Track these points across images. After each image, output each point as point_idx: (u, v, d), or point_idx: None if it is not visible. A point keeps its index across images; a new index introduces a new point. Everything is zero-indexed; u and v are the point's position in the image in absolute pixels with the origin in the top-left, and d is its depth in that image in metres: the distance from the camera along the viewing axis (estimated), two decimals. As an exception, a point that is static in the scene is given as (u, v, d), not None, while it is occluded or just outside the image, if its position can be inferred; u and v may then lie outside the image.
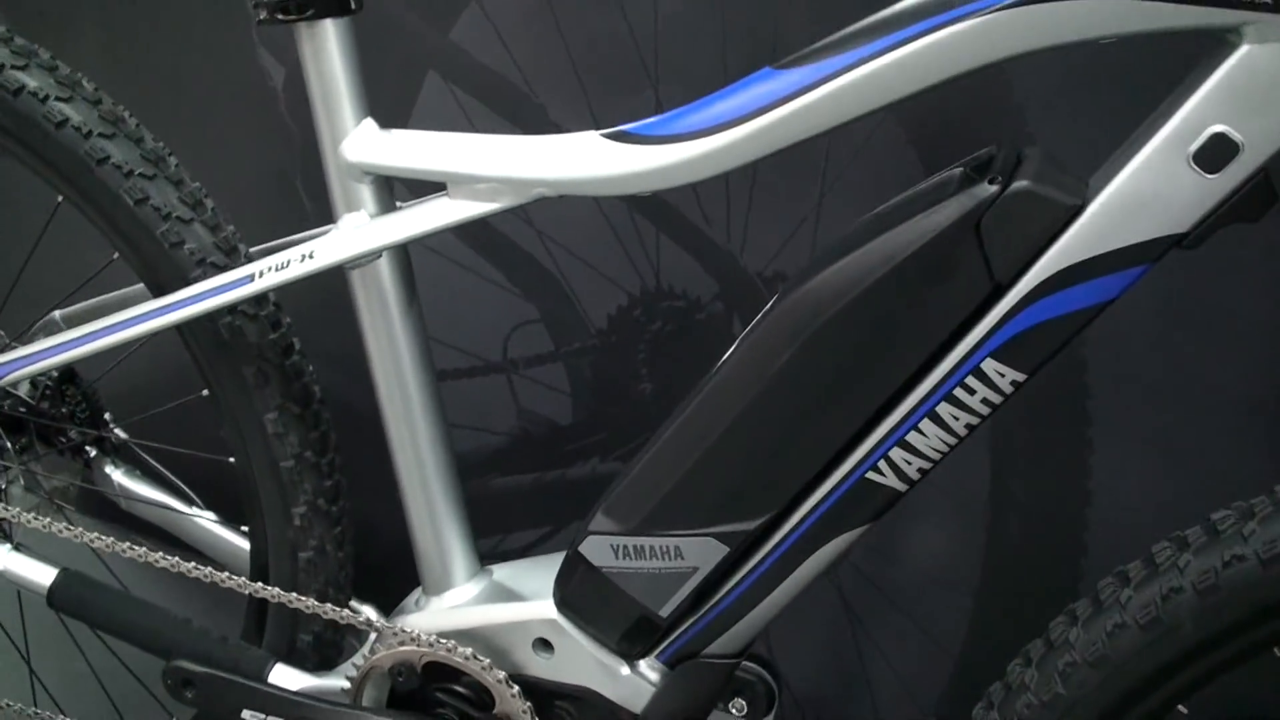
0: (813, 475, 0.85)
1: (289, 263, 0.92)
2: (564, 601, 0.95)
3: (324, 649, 1.09)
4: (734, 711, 1.01)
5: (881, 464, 0.83)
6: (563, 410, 1.57)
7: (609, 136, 0.84)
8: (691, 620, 0.92)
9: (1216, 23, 0.69)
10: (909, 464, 0.82)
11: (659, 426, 0.90)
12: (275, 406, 1.00)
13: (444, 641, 0.97)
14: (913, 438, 0.81)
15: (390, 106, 1.47)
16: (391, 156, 0.90)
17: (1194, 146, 0.71)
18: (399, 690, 1.01)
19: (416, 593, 1.04)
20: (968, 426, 0.81)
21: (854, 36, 0.77)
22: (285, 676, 1.05)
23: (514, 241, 1.50)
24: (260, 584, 0.99)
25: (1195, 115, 0.71)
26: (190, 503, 1.20)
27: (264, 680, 1.05)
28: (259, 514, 1.05)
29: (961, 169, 0.82)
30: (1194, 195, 0.72)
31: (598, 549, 0.92)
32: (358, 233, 0.91)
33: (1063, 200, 0.74)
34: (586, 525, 0.92)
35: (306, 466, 1.02)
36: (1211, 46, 0.72)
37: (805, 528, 0.86)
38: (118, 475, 1.20)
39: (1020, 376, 0.79)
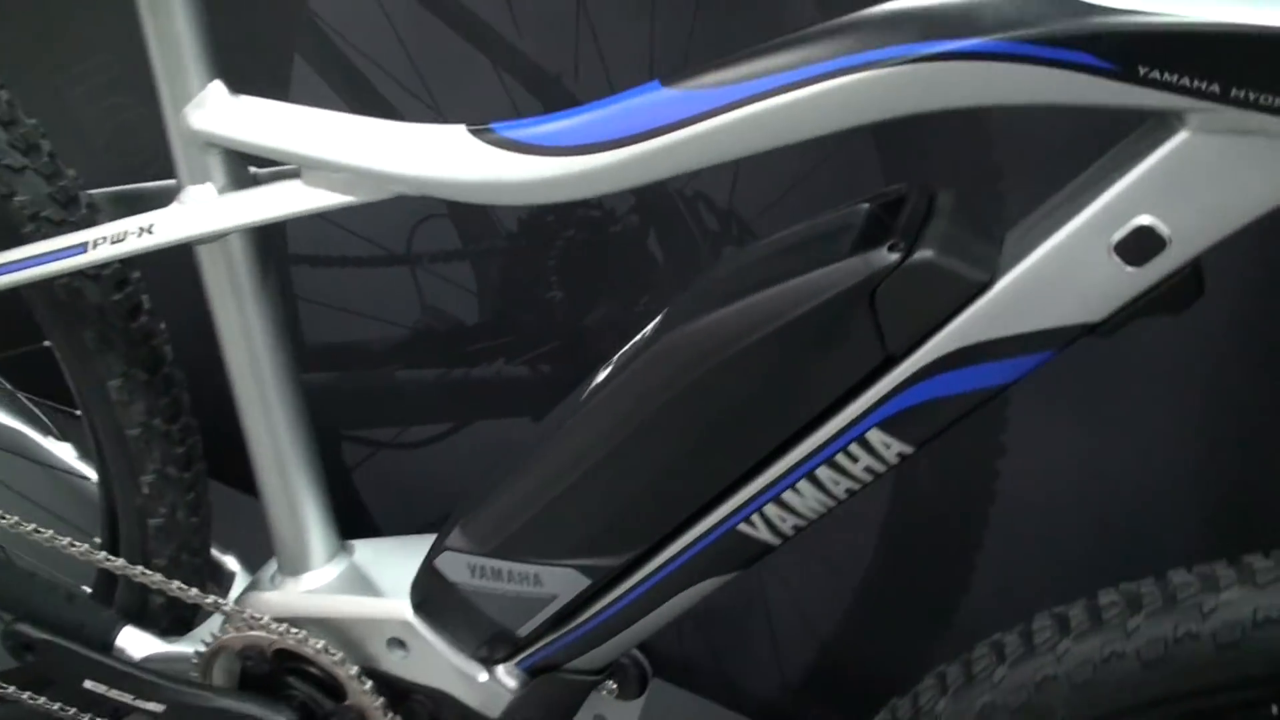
0: (682, 520, 0.79)
1: (125, 235, 0.82)
2: (420, 607, 0.90)
3: (180, 609, 1.04)
4: (604, 693, 0.97)
5: (755, 518, 0.76)
6: (469, 309, 1.49)
7: (477, 134, 0.75)
8: (551, 639, 0.87)
9: (1157, 106, 0.60)
10: (783, 521, 0.76)
11: (525, 447, 0.83)
12: (119, 373, 0.91)
13: (294, 632, 0.92)
14: (789, 496, 0.75)
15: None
16: (239, 129, 0.80)
17: (1117, 236, 0.63)
18: (250, 671, 0.96)
19: (272, 566, 0.98)
20: (848, 491, 0.74)
21: (758, 58, 0.67)
22: (134, 641, 1.00)
23: (421, 133, 1.39)
24: (105, 554, 0.93)
25: (1122, 202, 0.62)
26: (47, 432, 1.12)
27: (111, 644, 1.00)
28: (106, 477, 0.98)
29: (869, 206, 0.74)
30: (1112, 286, 0.64)
31: (454, 565, 0.86)
32: (200, 211, 0.81)
33: (967, 276, 0.66)
34: (443, 539, 0.86)
35: (155, 435, 0.94)
36: (1147, 126, 0.63)
37: (671, 569, 0.80)
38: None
39: (907, 449, 0.72)
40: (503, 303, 1.47)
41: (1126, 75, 0.59)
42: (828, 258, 0.70)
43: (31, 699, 1.04)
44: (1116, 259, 0.63)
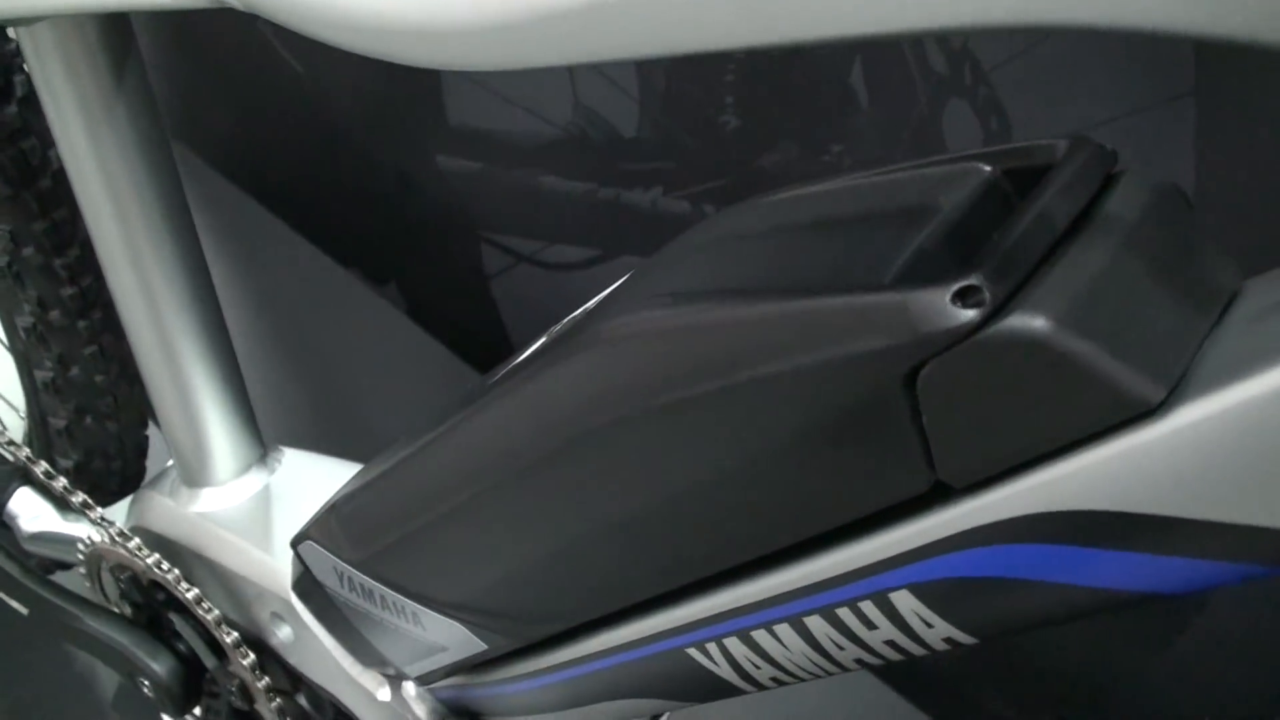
0: (610, 612, 0.48)
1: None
2: (297, 588, 0.63)
3: (97, 476, 0.81)
4: None
5: (712, 648, 0.45)
6: (628, 119, 1.17)
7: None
8: (457, 684, 0.59)
9: None
10: (755, 667, 0.45)
11: (413, 430, 0.53)
12: (-32, 183, 0.66)
13: (166, 569, 0.68)
14: (763, 638, 0.43)
15: None
16: None
17: None
18: (129, 595, 0.73)
19: (174, 469, 0.73)
20: (859, 662, 0.42)
21: None
22: (29, 509, 0.79)
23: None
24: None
25: None
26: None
27: (1, 505, 0.79)
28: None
29: (990, 172, 0.38)
30: None
31: (319, 562, 0.58)
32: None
33: (1119, 384, 0.31)
34: (310, 522, 0.59)
35: (29, 268, 0.69)
36: None
37: (594, 669, 0.50)
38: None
39: (961, 637, 0.38)
40: (667, 119, 1.14)
41: None
42: (877, 267, 0.36)
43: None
44: None
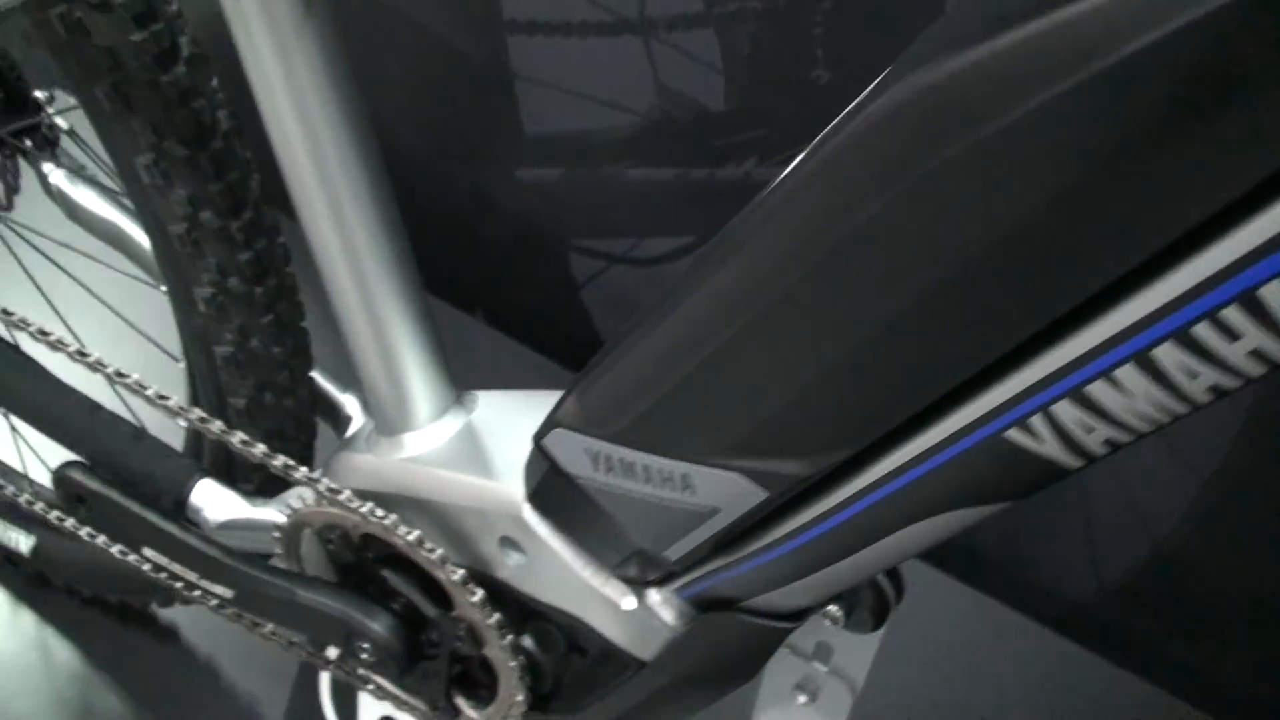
0: (913, 414, 0.47)
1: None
2: (536, 498, 0.62)
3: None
4: (826, 621, 0.69)
5: (1036, 421, 0.44)
6: (713, 93, 1.17)
7: None
8: (717, 565, 0.58)
9: None
10: (1088, 431, 0.43)
11: (675, 286, 0.52)
12: (148, 146, 0.66)
13: (381, 516, 0.67)
14: (1099, 392, 0.42)
15: None
16: None
17: None
18: (337, 558, 0.72)
19: (368, 423, 0.72)
20: (1213, 390, 0.41)
21: None
22: (213, 499, 0.78)
23: None
24: (155, 392, 0.70)
25: None
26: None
27: (184, 500, 0.78)
28: (170, 290, 0.74)
29: None
30: None
31: (569, 450, 0.57)
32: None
33: None
34: (556, 410, 0.58)
35: (207, 233, 0.68)
36: None
37: (894, 489, 0.49)
38: (58, 179, 0.90)
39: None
40: (755, 86, 1.15)
41: None
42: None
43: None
44: None
